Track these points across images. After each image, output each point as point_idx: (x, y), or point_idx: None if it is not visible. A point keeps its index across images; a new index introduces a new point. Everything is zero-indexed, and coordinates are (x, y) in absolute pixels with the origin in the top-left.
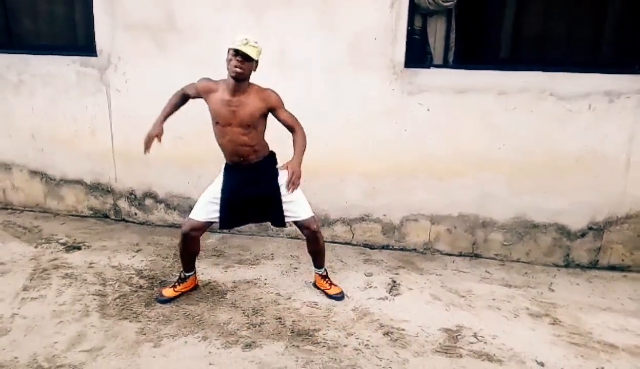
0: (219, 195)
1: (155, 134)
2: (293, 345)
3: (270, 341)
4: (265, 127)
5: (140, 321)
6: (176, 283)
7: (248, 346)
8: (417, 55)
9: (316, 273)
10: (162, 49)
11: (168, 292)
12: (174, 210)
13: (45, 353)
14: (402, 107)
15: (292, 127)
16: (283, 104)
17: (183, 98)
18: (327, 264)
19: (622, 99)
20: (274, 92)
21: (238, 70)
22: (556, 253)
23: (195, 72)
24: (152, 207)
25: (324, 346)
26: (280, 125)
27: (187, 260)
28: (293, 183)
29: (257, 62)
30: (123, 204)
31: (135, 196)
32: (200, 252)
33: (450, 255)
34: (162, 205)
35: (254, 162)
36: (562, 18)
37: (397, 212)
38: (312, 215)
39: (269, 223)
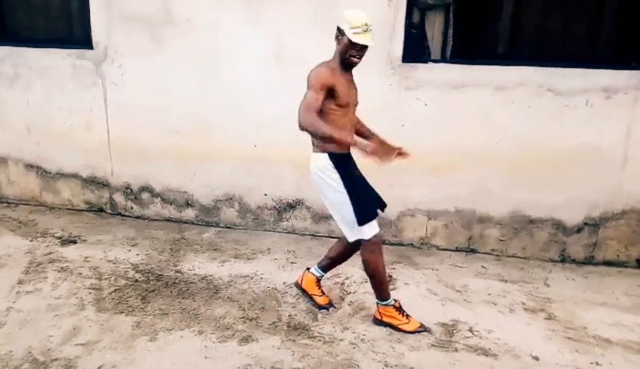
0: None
1: (373, 149)
2: (289, 339)
3: (266, 336)
4: None
5: (136, 315)
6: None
7: (244, 340)
8: (415, 50)
9: (315, 275)
10: (159, 42)
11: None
12: (171, 204)
13: (40, 347)
14: (399, 101)
15: None
16: None
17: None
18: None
19: (620, 95)
20: None
21: (357, 61)
22: (552, 249)
23: (191, 65)
24: (149, 201)
25: (320, 341)
26: None
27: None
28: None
29: None
30: (119, 198)
31: (131, 190)
32: (197, 246)
33: (446, 250)
34: (159, 199)
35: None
36: (560, 13)
37: (393, 207)
38: None
39: (265, 217)
